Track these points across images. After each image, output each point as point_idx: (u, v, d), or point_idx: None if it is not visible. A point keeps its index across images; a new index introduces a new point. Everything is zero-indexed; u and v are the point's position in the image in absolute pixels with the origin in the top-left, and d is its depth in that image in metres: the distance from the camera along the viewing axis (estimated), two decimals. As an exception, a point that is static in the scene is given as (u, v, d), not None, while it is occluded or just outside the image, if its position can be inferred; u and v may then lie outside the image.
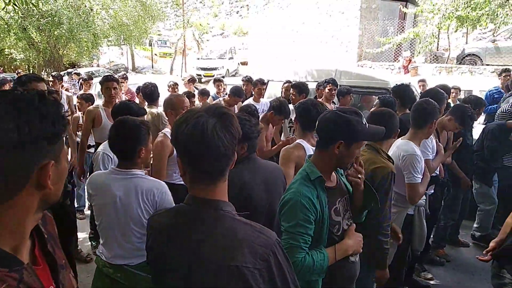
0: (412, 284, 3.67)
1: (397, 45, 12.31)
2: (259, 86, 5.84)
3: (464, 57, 13.40)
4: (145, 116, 3.35)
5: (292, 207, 1.78)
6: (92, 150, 4.22)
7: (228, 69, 20.40)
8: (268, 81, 6.70)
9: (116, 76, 5.43)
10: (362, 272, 2.06)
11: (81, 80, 8.02)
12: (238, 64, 21.85)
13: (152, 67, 24.79)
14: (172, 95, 3.62)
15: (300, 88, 4.92)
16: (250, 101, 5.66)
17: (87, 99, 5.19)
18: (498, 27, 13.09)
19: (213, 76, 16.77)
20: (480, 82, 7.64)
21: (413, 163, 2.73)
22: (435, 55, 14.59)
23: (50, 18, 16.48)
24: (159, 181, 2.23)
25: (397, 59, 13.00)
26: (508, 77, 6.43)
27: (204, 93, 6.80)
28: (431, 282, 3.84)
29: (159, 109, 4.14)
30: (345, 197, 1.98)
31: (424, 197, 3.02)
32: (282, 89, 6.03)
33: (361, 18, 13.95)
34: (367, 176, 2.17)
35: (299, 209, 1.76)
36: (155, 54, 26.71)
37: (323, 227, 1.81)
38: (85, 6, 17.99)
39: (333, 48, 14.62)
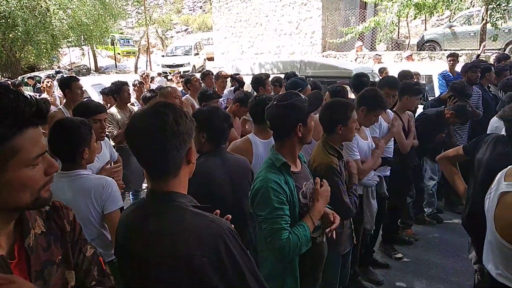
0: (373, 263, 3.81)
1: (359, 35, 12.55)
2: (221, 79, 5.84)
3: (423, 44, 13.87)
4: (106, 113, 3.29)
5: (264, 194, 1.84)
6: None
7: (194, 65, 20.20)
8: (233, 75, 6.71)
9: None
10: (329, 251, 2.13)
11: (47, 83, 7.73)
12: (205, 59, 21.68)
13: (116, 67, 24.21)
14: (168, 87, 4.03)
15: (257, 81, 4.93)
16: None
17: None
18: (454, 13, 13.60)
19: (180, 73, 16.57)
20: (439, 67, 7.92)
21: (347, 145, 2.81)
22: (397, 42, 15.02)
23: (3, 21, 15.77)
24: (105, 177, 2.19)
25: (360, 48, 13.27)
26: (453, 62, 6.77)
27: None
28: (402, 260, 4.00)
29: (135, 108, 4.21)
30: (310, 181, 2.06)
31: (377, 178, 3.15)
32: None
33: (323, 9, 14.12)
34: (312, 173, 2.25)
35: (272, 194, 1.83)
36: (118, 53, 26.09)
37: (295, 210, 1.89)
38: (41, 6, 17.30)
39: (298, 40, 14.75)
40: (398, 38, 15.75)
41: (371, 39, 14.06)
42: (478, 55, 8.81)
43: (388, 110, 3.18)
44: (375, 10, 14.10)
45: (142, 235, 1.20)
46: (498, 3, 10.65)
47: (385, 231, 4.06)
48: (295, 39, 14.85)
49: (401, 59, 11.65)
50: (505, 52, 11.44)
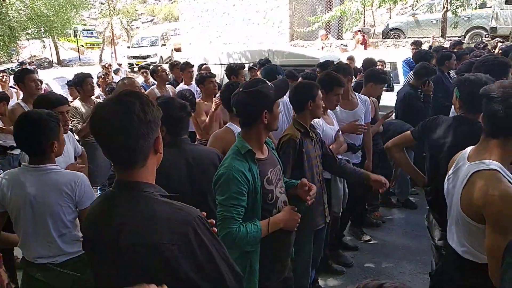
0: (343, 246, 3.93)
1: (326, 23, 12.67)
2: (187, 69, 5.79)
3: (388, 32, 14.17)
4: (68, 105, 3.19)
5: (225, 181, 1.86)
6: (17, 151, 3.98)
7: (161, 56, 19.82)
8: (202, 65, 6.64)
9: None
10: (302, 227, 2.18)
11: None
12: (172, 50, 21.30)
13: (80, 59, 23.41)
14: (124, 79, 3.87)
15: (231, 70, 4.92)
16: (182, 86, 5.61)
17: (2, 98, 4.71)
18: (417, 2, 13.95)
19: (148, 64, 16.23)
20: (403, 54, 8.14)
21: None
22: (363, 31, 15.25)
23: (-45, 12, 14.88)
24: (76, 173, 2.15)
25: (327, 37, 13.41)
26: (417, 49, 7.00)
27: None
28: (370, 242, 4.13)
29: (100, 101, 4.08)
30: (277, 167, 2.08)
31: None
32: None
33: (290, -2, 14.15)
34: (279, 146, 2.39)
35: (232, 182, 1.84)
36: (82, 45, 25.22)
37: (257, 196, 1.91)
38: (-4, -4, 16.45)
39: (266, 29, 14.73)
40: (364, 26, 15.99)
41: (338, 28, 14.21)
42: (430, 46, 9.08)
43: (330, 112, 3.23)
44: (341, -1, 14.26)
45: (111, 227, 1.18)
46: (457, -9, 11.01)
47: (353, 214, 4.17)
48: (263, 28, 14.81)
49: (368, 46, 11.87)
50: (464, 38, 11.91)
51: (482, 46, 7.55)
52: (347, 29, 12.80)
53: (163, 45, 20.81)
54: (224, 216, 1.85)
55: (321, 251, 2.91)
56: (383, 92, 5.85)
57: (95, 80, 6.25)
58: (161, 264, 1.13)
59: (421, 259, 3.70)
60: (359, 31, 11.82)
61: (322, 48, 12.25)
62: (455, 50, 6.37)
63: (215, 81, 4.39)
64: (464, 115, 2.38)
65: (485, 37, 11.46)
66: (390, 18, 16.56)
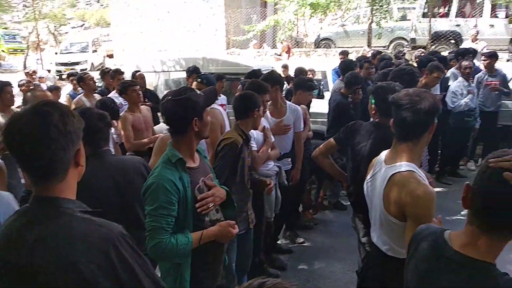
0: (278, 250, 4.04)
1: (260, 32, 12.96)
2: (118, 77, 5.61)
3: (320, 41, 14.81)
4: None
5: (154, 191, 1.83)
6: None
7: (92, 63, 18.93)
8: (135, 72, 6.46)
9: None
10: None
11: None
12: (104, 57, 20.45)
13: (0, 66, 21.68)
14: (34, 90, 3.67)
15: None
16: (113, 94, 5.41)
17: None
18: (345, 13, 14.75)
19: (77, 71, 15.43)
20: (333, 63, 8.55)
21: None
22: (296, 40, 15.80)
23: None
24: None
25: (261, 45, 13.72)
26: (343, 58, 7.46)
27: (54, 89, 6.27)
28: (304, 244, 4.27)
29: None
30: (209, 176, 2.10)
31: (276, 168, 3.34)
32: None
33: (225, 6, 14.28)
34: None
35: (161, 192, 1.81)
36: (3, 51, 23.38)
37: (188, 206, 1.90)
38: None
39: (201, 37, 14.71)
40: (297, 36, 16.58)
41: (273, 37, 14.59)
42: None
43: (263, 119, 3.33)
44: (274, 8, 14.66)
45: (25, 245, 1.12)
46: (380, 4, 11.80)
47: (287, 218, 4.29)
48: (199, 36, 14.78)
49: (300, 56, 12.32)
50: (388, 48, 12.81)
51: (401, 55, 8.18)
52: (280, 39, 13.19)
53: (94, 51, 19.90)
54: (153, 226, 1.81)
55: (248, 256, 2.94)
56: (314, 100, 6.15)
57: (16, 89, 5.87)
58: (79, 284, 1.09)
59: (350, 258, 3.88)
60: (284, 40, 12.26)
61: (255, 57, 12.48)
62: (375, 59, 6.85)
63: (139, 89, 4.24)
64: (379, 121, 2.56)
65: (406, 47, 12.39)
66: (321, 28, 17.31)
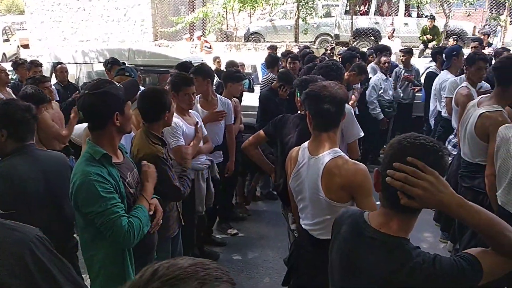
0: (211, 243, 4.07)
1: (189, 24, 12.74)
2: (34, 69, 5.22)
3: (250, 35, 14.94)
4: None
5: (89, 189, 1.73)
6: None
7: (5, 54, 17.24)
8: (56, 63, 6.03)
9: None
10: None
11: None
12: (18, 47, 18.74)
13: None
14: None
15: None
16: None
17: None
18: (273, 8, 15.01)
19: (-15, 62, 13.97)
20: (262, 57, 8.68)
21: (171, 131, 2.89)
22: (226, 34, 15.78)
23: None
24: None
25: (191, 38, 13.48)
26: (272, 53, 7.65)
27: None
28: (238, 235, 4.34)
29: None
30: (134, 171, 2.05)
31: (208, 162, 3.34)
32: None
33: (152, -4, 13.80)
34: (138, 164, 2.20)
35: (96, 185, 1.72)
36: None
37: (124, 200, 1.84)
38: None
39: (127, 28, 14.08)
40: (227, 29, 16.55)
41: (202, 29, 14.42)
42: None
43: (194, 112, 3.32)
44: (203, 1, 14.48)
45: None
46: (306, 1, 12.18)
47: (220, 211, 4.32)
48: (124, 26, 14.12)
49: (230, 49, 12.34)
50: (315, 43, 13.30)
51: (329, 50, 8.56)
52: (209, 31, 13.08)
53: (6, 40, 18.15)
54: (111, 219, 1.73)
55: (181, 253, 2.92)
56: (245, 93, 6.23)
57: None
58: None
59: (282, 245, 4.03)
60: (201, 36, 12.21)
61: (196, 47, 12.17)
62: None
63: (51, 85, 3.99)
64: (305, 113, 2.68)
65: (331, 43, 12.97)
66: (250, 22, 17.46)
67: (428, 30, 11.13)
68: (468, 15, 12.66)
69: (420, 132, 5.36)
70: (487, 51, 7.20)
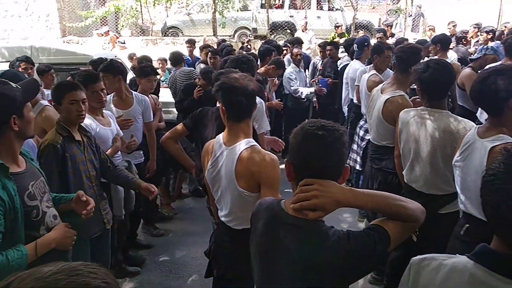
0: (136, 246, 3.96)
1: (101, 19, 12.04)
2: None
3: (167, 30, 14.53)
4: None
5: None
6: None
7: None
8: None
9: None
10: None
11: None
12: None
13: None
14: None
15: None
16: None
17: None
18: (188, 1, 14.75)
19: None
20: (182, 52, 8.51)
21: None
22: (142, 28, 15.18)
23: None
24: None
25: (107, 33, 12.75)
26: (191, 47, 7.60)
27: None
28: (165, 235, 4.24)
29: None
30: (40, 179, 1.88)
31: (125, 163, 3.21)
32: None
33: (57, -11, 12.78)
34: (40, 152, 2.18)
35: None
36: None
37: (17, 216, 1.67)
38: None
39: (30, 24, 12.89)
40: (143, 24, 15.94)
41: (115, 24, 13.71)
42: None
43: (108, 113, 3.16)
44: (115, -6, 13.73)
45: None
46: (222, -6, 12.16)
47: (144, 213, 4.17)
48: (27, 22, 12.90)
49: (147, 44, 11.90)
50: (234, 37, 13.35)
51: (246, 43, 8.65)
52: (123, 26, 12.48)
53: None
54: None
55: (107, 257, 2.79)
56: (166, 89, 6.07)
57: None
58: None
59: (207, 240, 4.01)
60: (109, 31, 11.66)
61: (109, 43, 11.49)
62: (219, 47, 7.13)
63: None
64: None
65: (249, 36, 13.12)
66: (167, 16, 16.99)
67: (336, 35, 11.60)
68: (373, 8, 13.58)
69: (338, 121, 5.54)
70: (390, 41, 7.77)
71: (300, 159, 1.28)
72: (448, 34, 6.86)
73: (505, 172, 0.89)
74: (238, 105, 1.95)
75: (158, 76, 7.24)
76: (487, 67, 3.16)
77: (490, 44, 6.59)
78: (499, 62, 3.97)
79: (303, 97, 5.98)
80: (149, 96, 3.96)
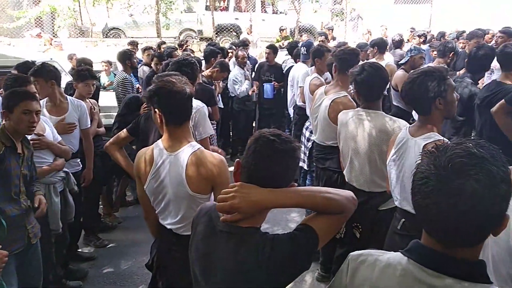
0: (78, 259, 3.76)
1: (35, 19, 11.33)
2: None
3: (108, 31, 13.98)
4: None
5: None
6: None
7: None
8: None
9: None
10: None
11: None
12: None
13: None
14: None
15: None
16: None
17: None
18: (130, 2, 14.30)
19: None
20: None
21: None
22: (81, 30, 14.49)
23: None
24: None
25: (40, 35, 12.01)
26: (134, 49, 7.41)
27: None
28: (108, 246, 4.06)
29: None
30: None
31: (62, 174, 3.04)
32: None
33: (-17, -13, 11.89)
34: None
35: None
36: None
37: None
38: None
39: (-47, 23, 11.88)
40: (83, 25, 15.23)
41: (51, 25, 12.98)
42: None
43: (43, 118, 2.97)
44: (50, -7, 13.00)
45: None
46: (164, -4, 11.93)
47: (85, 223, 3.97)
48: (-52, 22, 11.89)
49: (87, 46, 11.38)
50: (179, 38, 13.12)
51: (184, 43, 8.51)
52: (59, 26, 11.83)
53: None
54: None
55: (37, 275, 2.59)
56: (106, 93, 5.84)
57: None
58: None
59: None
60: (40, 33, 11.10)
61: (44, 45, 10.81)
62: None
63: None
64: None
65: (195, 38, 12.98)
66: (108, 17, 16.35)
67: (280, 39, 11.80)
68: (315, 12, 13.97)
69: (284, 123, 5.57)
70: (332, 44, 8.02)
71: (247, 161, 1.27)
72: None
73: (436, 174, 0.90)
74: (178, 109, 1.90)
75: (107, 79, 7.03)
76: (420, 68, 3.37)
77: (423, 46, 7.04)
78: (431, 64, 4.24)
79: (243, 91, 6.01)
80: (87, 100, 3.77)
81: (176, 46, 7.60)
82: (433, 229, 0.95)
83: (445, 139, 1.96)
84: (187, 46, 8.16)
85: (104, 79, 7.04)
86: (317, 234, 1.22)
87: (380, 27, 8.87)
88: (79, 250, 3.88)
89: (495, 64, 3.85)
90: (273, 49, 6.33)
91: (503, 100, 3.02)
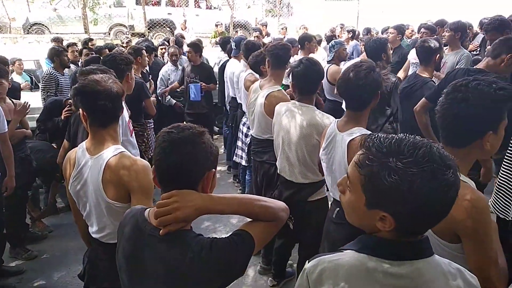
0: (4, 274, 3.51)
1: None
2: None
3: (30, 26, 12.98)
4: None
5: None
6: None
7: None
8: None
9: None
10: None
11: None
12: None
13: None
14: None
15: None
16: None
17: None
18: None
19: None
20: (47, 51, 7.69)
21: None
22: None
23: None
24: None
25: None
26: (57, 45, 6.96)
27: None
28: (39, 257, 3.79)
29: None
30: None
31: None
32: None
33: None
34: None
35: None
36: None
37: None
38: None
39: None
40: (0, 20, 14.02)
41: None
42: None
43: None
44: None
45: None
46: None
47: (10, 235, 3.67)
48: None
49: (5, 43, 10.50)
50: (110, 34, 12.55)
51: (125, 43, 8.16)
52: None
53: None
54: None
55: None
56: (27, 93, 5.42)
57: None
58: None
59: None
60: None
61: None
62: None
63: None
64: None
65: (126, 33, 12.47)
66: (29, 11, 15.18)
67: (217, 34, 11.72)
68: (249, 7, 14.06)
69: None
70: (266, 40, 8.13)
71: (155, 160, 1.23)
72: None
73: (378, 171, 0.93)
74: (102, 110, 1.79)
75: (20, 79, 6.50)
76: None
77: (350, 42, 7.39)
78: (358, 59, 4.45)
79: (165, 102, 5.95)
80: (4, 102, 3.47)
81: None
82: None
83: (368, 131, 2.04)
84: (127, 45, 7.50)
85: (17, 80, 6.40)
86: (254, 239, 1.24)
87: (300, 27, 9.21)
88: (5, 265, 3.58)
89: (415, 57, 4.12)
90: (194, 48, 5.55)
91: (424, 98, 3.22)
